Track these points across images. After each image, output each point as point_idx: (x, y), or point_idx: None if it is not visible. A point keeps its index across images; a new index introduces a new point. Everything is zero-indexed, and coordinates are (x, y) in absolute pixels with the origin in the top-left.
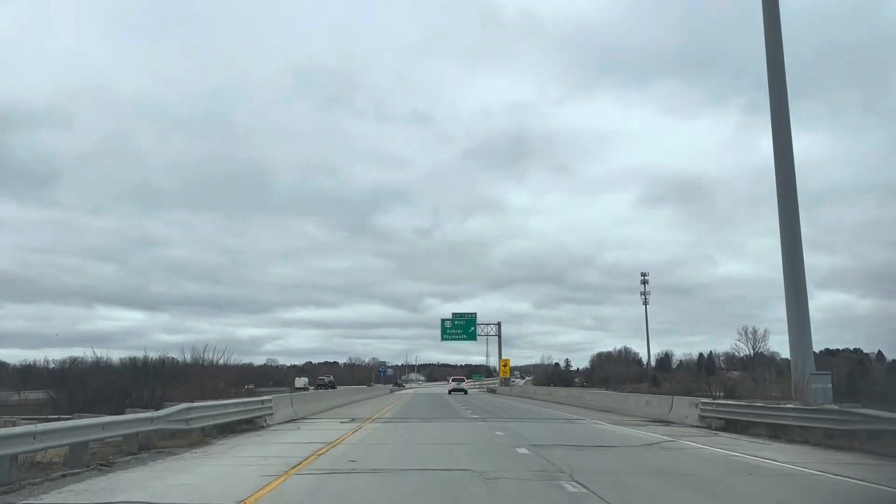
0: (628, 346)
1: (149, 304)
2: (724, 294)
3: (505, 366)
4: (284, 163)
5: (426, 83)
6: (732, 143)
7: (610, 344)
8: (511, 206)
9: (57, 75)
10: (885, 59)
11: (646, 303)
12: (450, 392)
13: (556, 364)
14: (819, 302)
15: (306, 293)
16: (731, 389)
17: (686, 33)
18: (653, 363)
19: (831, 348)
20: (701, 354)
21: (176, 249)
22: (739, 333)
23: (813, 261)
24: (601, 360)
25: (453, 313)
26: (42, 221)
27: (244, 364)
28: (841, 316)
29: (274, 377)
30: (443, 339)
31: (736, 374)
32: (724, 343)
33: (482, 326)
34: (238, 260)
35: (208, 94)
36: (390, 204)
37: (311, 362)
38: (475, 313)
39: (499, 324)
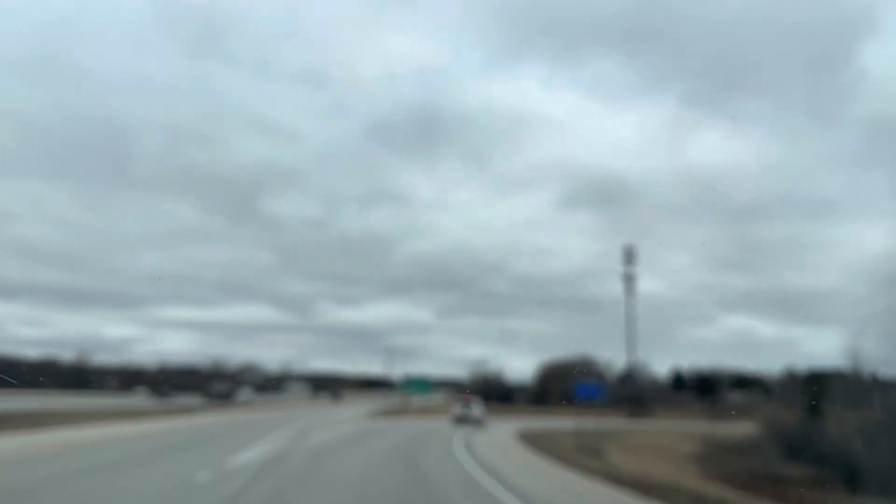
0: (589, 353)
1: None
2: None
3: None
4: (148, 124)
5: (318, 30)
6: (662, 139)
7: (513, 359)
8: (417, 198)
9: None
10: (842, 44)
11: (628, 291)
12: (457, 420)
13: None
14: (726, 324)
15: (181, 288)
16: None
17: None
18: (616, 375)
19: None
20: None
21: (23, 225)
22: None
23: (725, 280)
24: (553, 371)
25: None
26: None
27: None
28: (743, 340)
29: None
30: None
31: (737, 391)
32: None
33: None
34: (99, 243)
35: (46, 25)
36: (277, 185)
37: (165, 363)
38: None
39: None
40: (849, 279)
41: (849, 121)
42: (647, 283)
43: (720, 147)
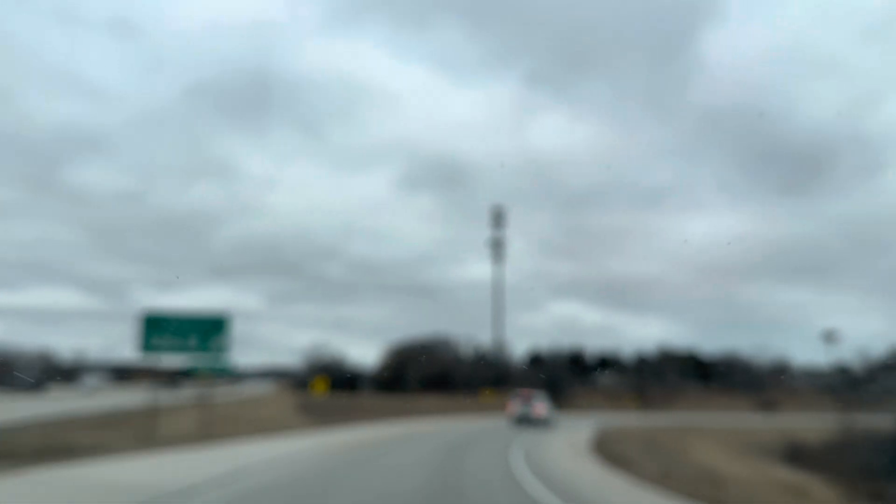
0: (447, 332)
1: None
2: (467, 298)
3: None
4: None
5: None
6: (505, 120)
7: (352, 346)
8: (246, 172)
9: None
10: (681, 30)
11: (496, 258)
12: (517, 421)
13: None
14: (554, 310)
15: None
16: None
17: None
18: (475, 354)
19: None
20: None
21: None
22: None
23: (556, 266)
24: (405, 354)
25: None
26: None
27: None
28: (566, 326)
29: None
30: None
31: (607, 373)
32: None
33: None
34: None
35: None
36: (83, 152)
37: None
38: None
39: None
40: (670, 268)
41: (681, 111)
42: (481, 269)
43: (559, 131)
